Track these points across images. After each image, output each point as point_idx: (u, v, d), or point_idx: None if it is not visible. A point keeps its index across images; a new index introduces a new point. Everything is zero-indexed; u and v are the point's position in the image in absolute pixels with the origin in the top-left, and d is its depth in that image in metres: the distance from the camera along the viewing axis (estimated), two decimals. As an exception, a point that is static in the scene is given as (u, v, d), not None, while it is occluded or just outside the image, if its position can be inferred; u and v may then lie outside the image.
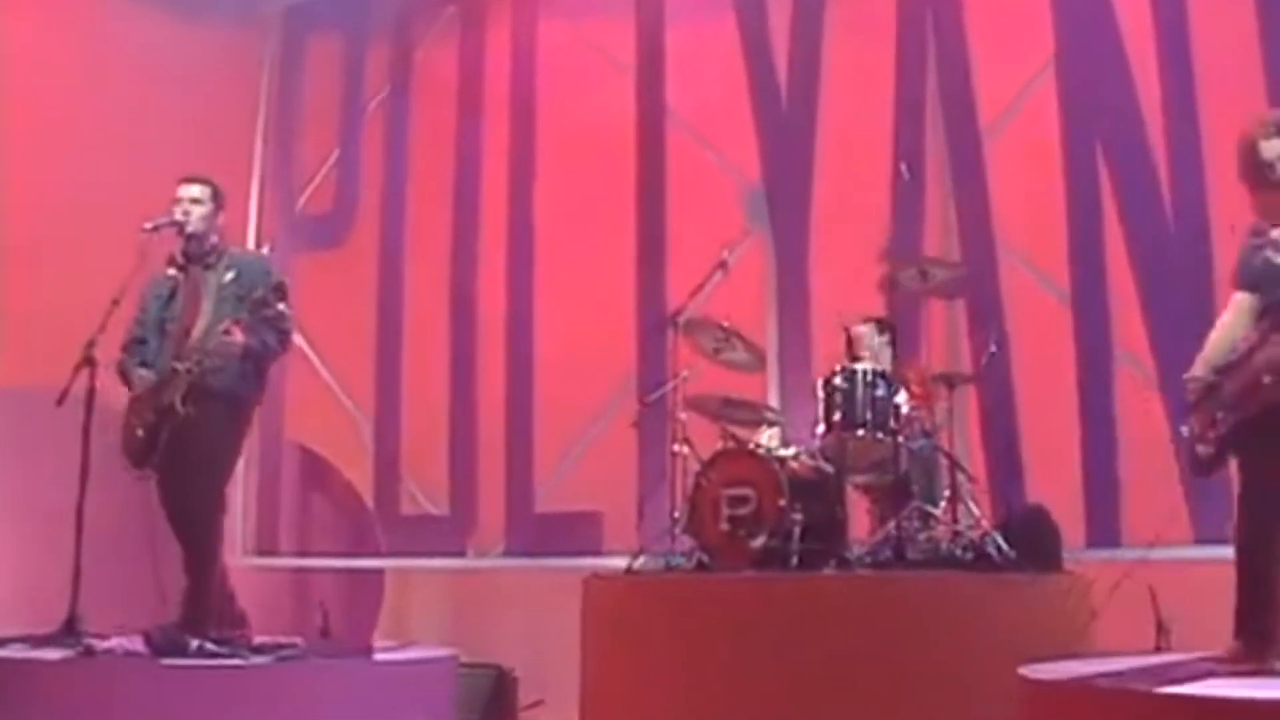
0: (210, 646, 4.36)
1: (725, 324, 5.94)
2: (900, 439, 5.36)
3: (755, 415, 6.00)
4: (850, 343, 5.58)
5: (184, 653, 4.30)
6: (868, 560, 5.18)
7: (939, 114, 6.80)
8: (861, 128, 6.91)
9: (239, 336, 4.68)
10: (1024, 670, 3.95)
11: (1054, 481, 6.22)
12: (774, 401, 6.69)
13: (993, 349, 5.80)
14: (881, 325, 6.06)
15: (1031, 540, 5.44)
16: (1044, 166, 6.53)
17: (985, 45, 6.77)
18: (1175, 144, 6.31)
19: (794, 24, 7.16)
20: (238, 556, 7.89)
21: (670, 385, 5.98)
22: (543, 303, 7.53)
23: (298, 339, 7.91)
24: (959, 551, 5.32)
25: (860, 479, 5.58)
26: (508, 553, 7.39)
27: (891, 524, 5.26)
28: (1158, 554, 6.00)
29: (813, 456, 5.75)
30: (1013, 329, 6.43)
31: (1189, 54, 6.33)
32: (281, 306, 4.74)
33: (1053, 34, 6.64)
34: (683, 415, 5.95)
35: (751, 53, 7.23)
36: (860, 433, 5.35)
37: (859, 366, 5.49)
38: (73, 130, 7.24)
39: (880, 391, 5.41)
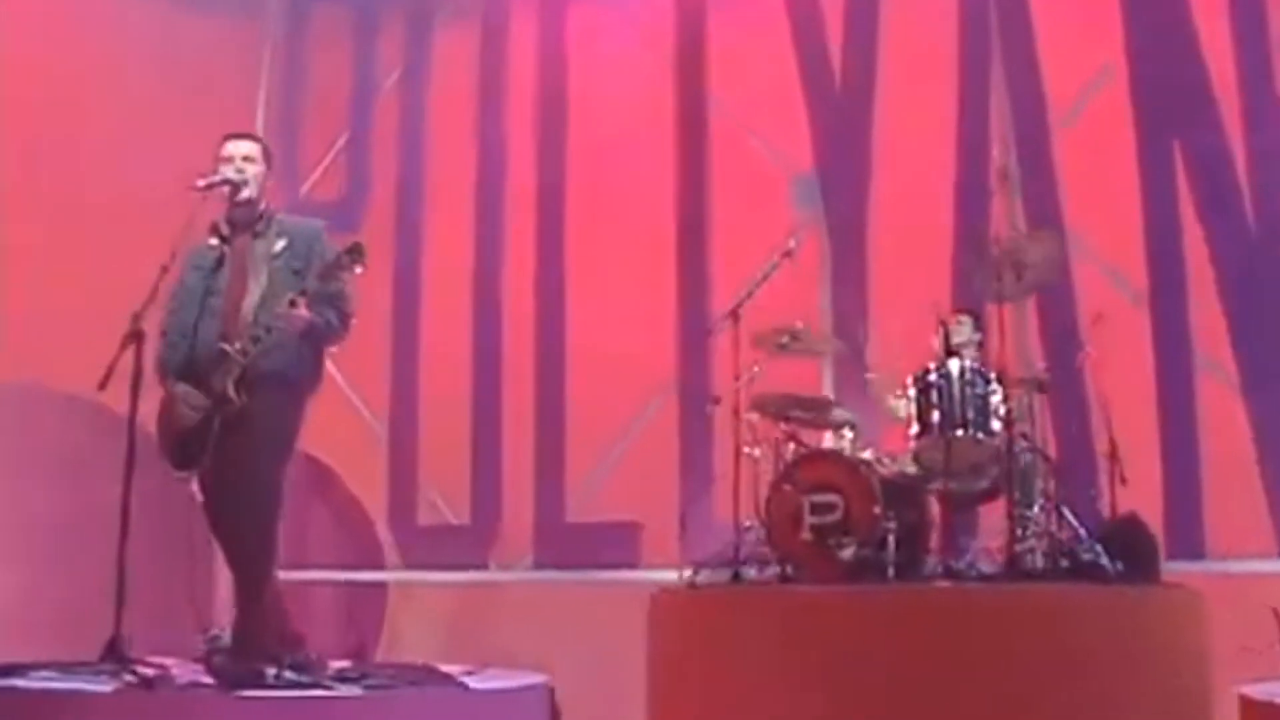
0: (290, 675, 3.81)
1: (799, 325, 5.54)
2: (1003, 441, 4.97)
3: (824, 415, 5.58)
4: (946, 337, 5.18)
5: (260, 683, 3.73)
6: (975, 572, 4.78)
7: (1005, 101, 6.47)
8: (922, 113, 6.56)
9: (304, 312, 4.14)
10: (1246, 690, 3.58)
11: (1132, 491, 5.89)
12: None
13: (1088, 350, 5.44)
14: (976, 319, 5.68)
15: (1130, 550, 5.08)
16: (1117, 160, 6.22)
17: (1053, 30, 6.45)
18: (1254, 142, 6.05)
19: (848, 3, 6.79)
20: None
21: (743, 380, 5.55)
22: (575, 298, 7.06)
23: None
24: (1059, 562, 4.94)
25: (955, 484, 5.18)
26: (536, 565, 6.89)
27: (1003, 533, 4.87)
28: (1238, 567, 5.77)
29: (892, 459, 5.38)
30: (1086, 330, 6.09)
31: (1267, 47, 6.09)
32: (345, 282, 4.22)
33: (1122, 21, 6.35)
34: (753, 416, 5.52)
35: (802, 35, 6.85)
36: (961, 434, 4.94)
37: (958, 363, 5.09)
38: (62, 112, 6.70)
39: (980, 389, 5.02)
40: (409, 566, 7.17)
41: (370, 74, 7.69)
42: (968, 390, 5.00)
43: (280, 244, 4.37)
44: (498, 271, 7.22)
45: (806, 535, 5.09)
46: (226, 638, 4.35)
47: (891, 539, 4.92)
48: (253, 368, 4.15)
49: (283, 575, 7.17)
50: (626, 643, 6.17)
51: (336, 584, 7.33)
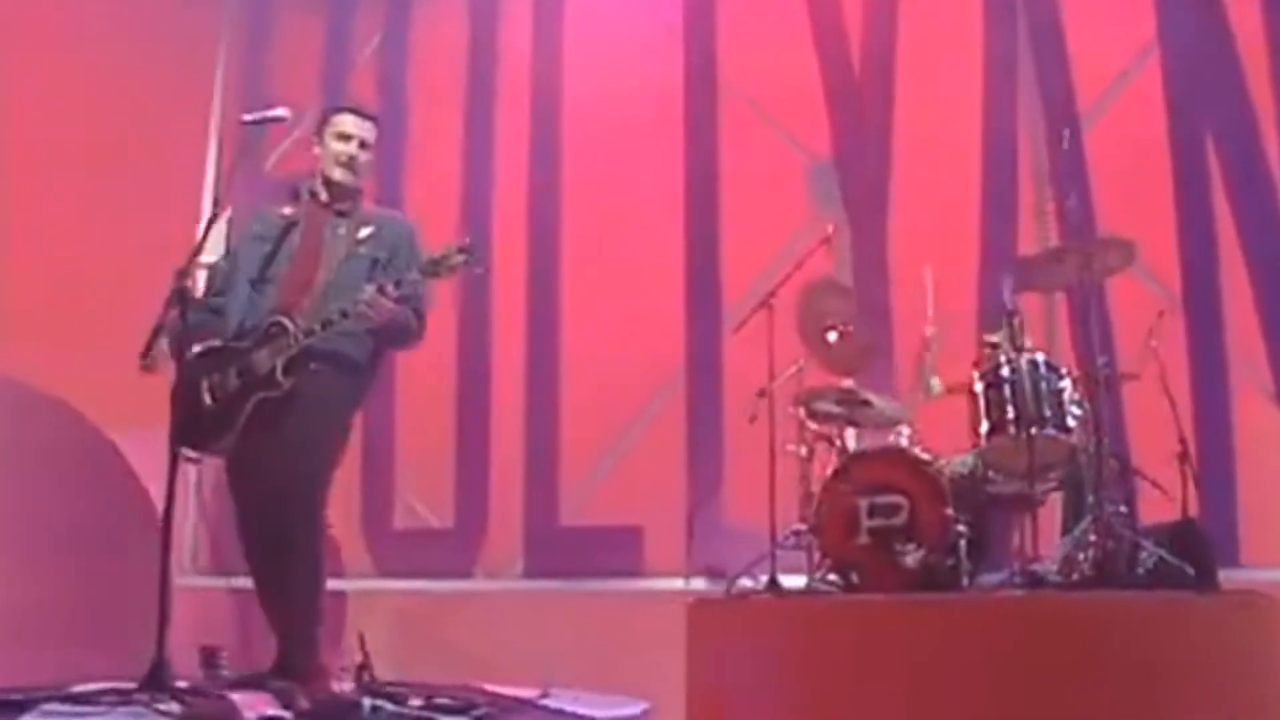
0: (389, 707, 3.27)
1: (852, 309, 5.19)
2: (1081, 440, 4.68)
3: (876, 412, 5.22)
4: (1016, 329, 4.87)
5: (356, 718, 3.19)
6: (1057, 578, 4.46)
7: (1033, 89, 6.23)
8: (945, 100, 6.27)
9: (388, 306, 3.66)
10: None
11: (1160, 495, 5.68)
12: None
13: (1154, 343, 5.18)
14: (1017, 319, 5.41)
15: (1193, 556, 4.83)
16: (1149, 155, 6.03)
17: (1082, 18, 6.23)
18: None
19: (867, -16, 6.49)
20: (187, 577, 6.69)
21: (790, 372, 5.18)
22: (571, 288, 6.59)
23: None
24: (1132, 566, 4.66)
25: (1028, 485, 4.86)
26: (527, 573, 6.38)
27: (1075, 537, 4.56)
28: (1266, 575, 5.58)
29: (944, 457, 5.05)
30: (1118, 330, 5.86)
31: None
32: (440, 279, 3.77)
33: (1154, 10, 6.17)
34: (801, 412, 5.15)
35: (819, 16, 6.52)
36: (1039, 432, 4.62)
37: (1031, 356, 4.78)
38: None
39: (1054, 385, 4.72)
40: (382, 574, 6.58)
41: (344, 42, 7.11)
42: (1042, 385, 4.69)
43: (366, 231, 3.94)
44: (485, 259, 6.68)
45: (864, 539, 4.72)
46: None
47: (963, 544, 4.59)
48: (308, 349, 3.65)
49: (228, 582, 6.70)
50: (628, 657, 5.76)
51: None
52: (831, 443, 5.24)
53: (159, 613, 3.33)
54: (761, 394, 5.16)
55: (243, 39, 7.27)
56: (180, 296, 3.53)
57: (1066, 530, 4.97)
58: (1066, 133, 4.95)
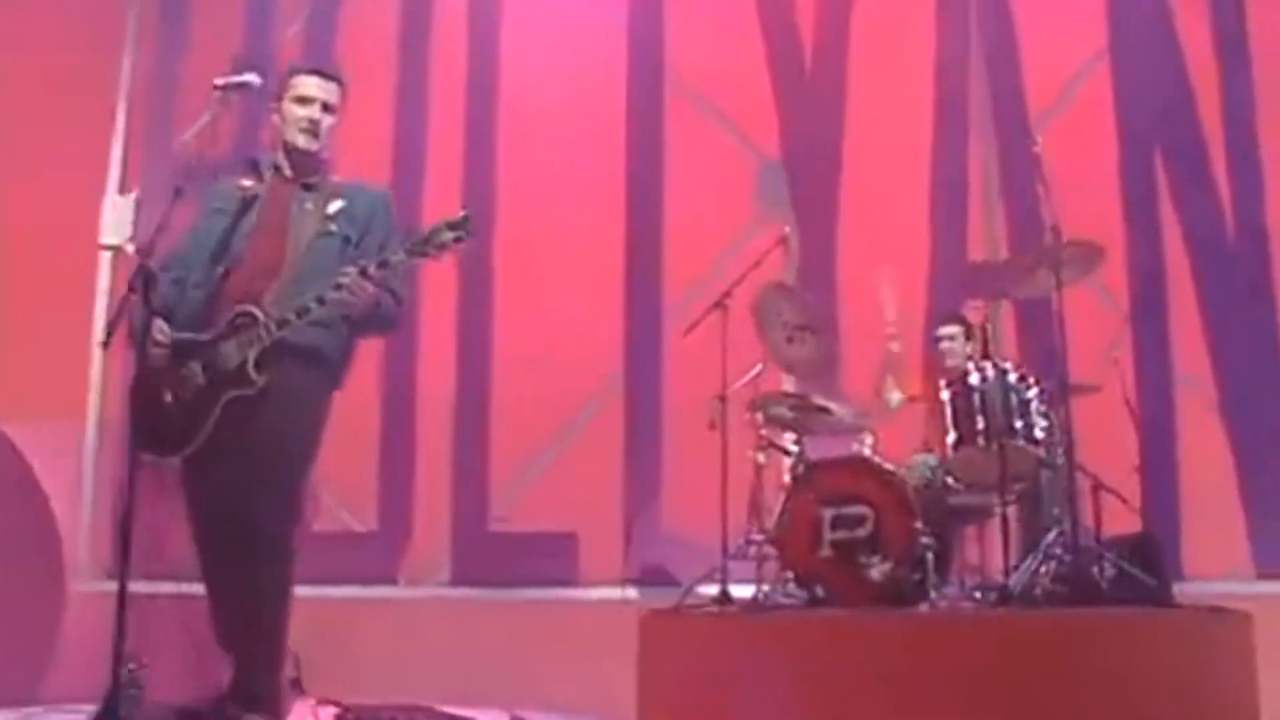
0: None
1: (814, 311, 5.02)
2: (1049, 451, 4.58)
3: (836, 419, 5.05)
4: (985, 337, 4.75)
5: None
6: (1024, 593, 4.33)
7: (984, 95, 6.16)
8: (897, 103, 6.15)
9: (369, 290, 3.33)
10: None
11: (1111, 508, 5.63)
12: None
13: (1116, 355, 5.12)
14: (967, 327, 5.34)
15: (1149, 569, 4.76)
16: (1099, 164, 6.00)
17: (1034, 25, 6.17)
18: (1235, 154, 5.95)
19: (819, -20, 6.34)
20: (83, 581, 6.22)
21: (749, 377, 4.98)
22: (505, 282, 6.28)
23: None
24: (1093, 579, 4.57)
25: (989, 497, 4.75)
26: (454, 580, 6.06)
27: (1042, 550, 4.45)
28: (1219, 588, 5.57)
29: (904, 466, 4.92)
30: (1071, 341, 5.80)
31: (1247, 54, 6.01)
32: (428, 259, 3.42)
33: (1106, 19, 6.15)
34: (757, 417, 4.96)
35: (769, 12, 6.34)
36: (1010, 443, 4.49)
37: (1003, 364, 4.67)
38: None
39: (1024, 395, 4.61)
40: (297, 579, 6.17)
41: (268, 17, 6.70)
42: (1012, 396, 4.57)
43: (336, 205, 3.59)
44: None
45: (827, 552, 4.54)
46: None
47: (930, 557, 4.45)
48: (280, 341, 3.31)
49: (141, 587, 6.24)
50: (562, 671, 5.53)
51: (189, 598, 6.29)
52: (786, 451, 5.07)
53: (115, 631, 2.94)
54: (721, 399, 4.96)
55: (154, 8, 6.80)
56: (144, 279, 3.16)
57: (1022, 543, 4.89)
58: (1040, 139, 4.80)
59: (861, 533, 4.50)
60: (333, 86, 3.77)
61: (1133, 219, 5.95)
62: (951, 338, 5.36)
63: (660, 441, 6.01)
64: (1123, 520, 5.02)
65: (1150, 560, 4.80)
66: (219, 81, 3.49)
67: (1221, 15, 6.02)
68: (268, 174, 3.65)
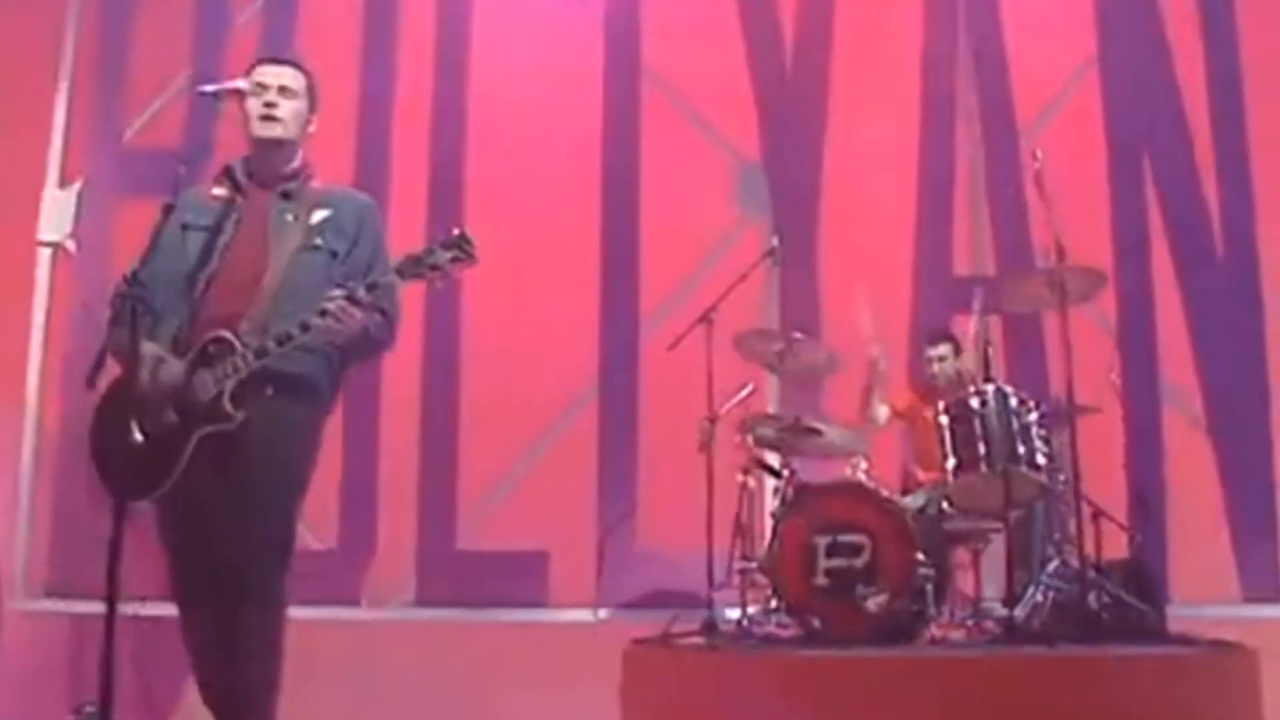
0: None
1: (796, 335, 4.82)
2: (1052, 477, 4.42)
3: (827, 442, 4.86)
4: (986, 359, 4.57)
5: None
6: (1032, 625, 4.17)
7: (971, 100, 5.98)
8: (882, 107, 5.95)
9: (360, 314, 3.00)
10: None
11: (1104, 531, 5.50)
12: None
13: (1114, 378, 4.97)
14: (956, 345, 5.19)
15: (1144, 595, 4.64)
16: (1087, 175, 5.85)
17: (1023, 31, 6.01)
18: (1225, 165, 5.84)
19: (801, -28, 6.11)
20: (19, 600, 5.88)
21: (741, 396, 4.77)
22: (474, 289, 5.95)
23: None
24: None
25: (982, 523, 4.59)
26: (420, 601, 5.79)
27: (1042, 580, 4.31)
28: (1207, 612, 5.46)
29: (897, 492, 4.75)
30: (1052, 355, 5.65)
31: (1238, 63, 5.90)
32: (422, 280, 3.07)
33: (1095, 27, 6.00)
34: (747, 439, 4.76)
35: (750, 10, 6.11)
36: (1014, 470, 4.32)
37: (993, 387, 4.49)
38: None
39: (1025, 419, 4.44)
40: (252, 600, 5.87)
41: (219, 7, 6.33)
42: (1013, 421, 4.40)
43: (320, 215, 3.21)
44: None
45: (821, 581, 4.35)
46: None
47: (930, 589, 4.27)
48: (260, 370, 3.01)
49: (62, 607, 5.91)
50: (532, 696, 5.29)
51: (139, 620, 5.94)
52: (775, 473, 4.87)
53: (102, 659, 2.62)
54: (711, 420, 4.74)
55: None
56: (132, 307, 2.82)
57: (1013, 568, 4.74)
58: (1040, 153, 4.62)
59: (858, 562, 4.32)
60: (288, 70, 3.36)
61: (1121, 230, 5.80)
62: (942, 358, 5.19)
63: (636, 456, 5.79)
64: (1110, 540, 4.89)
65: (1145, 586, 4.69)
66: (205, 89, 3.14)
67: (1213, 24, 5.90)
68: (242, 181, 3.26)
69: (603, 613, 5.66)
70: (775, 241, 5.13)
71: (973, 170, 5.93)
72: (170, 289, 3.02)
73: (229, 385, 2.93)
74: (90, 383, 2.90)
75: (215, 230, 3.10)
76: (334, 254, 3.18)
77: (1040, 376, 5.48)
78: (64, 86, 6.31)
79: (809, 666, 3.90)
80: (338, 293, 2.97)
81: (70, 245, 6.18)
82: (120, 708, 5.30)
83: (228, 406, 2.93)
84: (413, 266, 3.03)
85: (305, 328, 2.94)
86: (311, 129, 3.39)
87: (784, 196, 5.94)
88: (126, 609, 5.65)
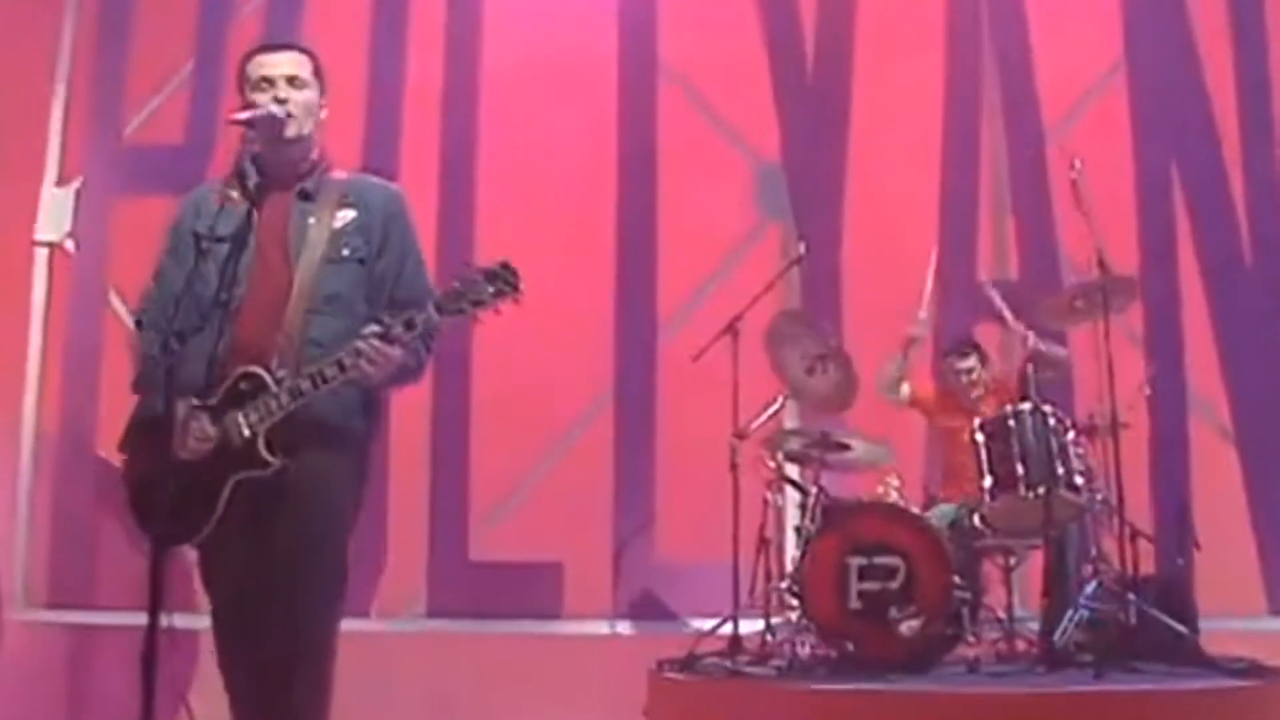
0: None
1: (831, 340, 4.69)
2: (1090, 498, 4.31)
3: (853, 458, 4.74)
4: (1030, 375, 4.45)
5: None
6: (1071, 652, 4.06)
7: (996, 103, 5.85)
8: (904, 108, 5.82)
9: (396, 352, 2.76)
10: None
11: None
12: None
13: (1146, 390, 4.85)
14: (982, 354, 5.07)
15: (1178, 613, 4.53)
16: (1113, 179, 5.70)
17: (1049, 32, 5.87)
18: (1253, 170, 5.73)
19: (823, -23, 5.96)
20: (19, 610, 5.74)
21: (771, 411, 4.65)
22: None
23: (125, 318, 5.97)
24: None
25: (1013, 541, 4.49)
26: (431, 613, 5.66)
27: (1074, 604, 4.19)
28: (1231, 625, 5.37)
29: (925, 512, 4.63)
30: (1075, 352, 5.52)
31: (1268, 68, 5.78)
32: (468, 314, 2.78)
33: (1122, 29, 5.87)
34: (778, 455, 4.64)
35: (770, 6, 5.96)
36: (1055, 492, 4.21)
37: (1044, 407, 4.38)
38: None
39: (1064, 439, 4.33)
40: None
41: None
42: (1052, 441, 4.28)
43: (345, 216, 2.92)
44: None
45: (855, 604, 4.23)
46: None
47: (966, 612, 4.17)
48: (302, 413, 2.77)
49: (62, 618, 5.76)
50: (546, 710, 5.18)
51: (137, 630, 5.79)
52: (802, 489, 4.75)
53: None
54: (740, 436, 4.61)
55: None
56: (168, 358, 2.52)
57: (1046, 587, 4.65)
58: (1078, 163, 4.49)
59: (893, 585, 4.20)
60: (289, 56, 3.02)
61: (1147, 236, 5.69)
62: (971, 370, 5.05)
63: (654, 464, 5.66)
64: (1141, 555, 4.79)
65: (1179, 606, 4.59)
66: (237, 116, 2.87)
67: (1242, 28, 5.77)
68: (256, 183, 2.87)
69: (619, 625, 5.55)
70: (802, 249, 4.98)
71: (997, 173, 5.80)
72: (192, 313, 2.79)
73: (262, 429, 2.73)
74: (124, 448, 2.71)
75: (235, 242, 2.77)
76: (362, 261, 2.92)
77: (1066, 390, 5.35)
78: (61, 82, 6.13)
79: (844, 701, 3.78)
80: (372, 329, 2.74)
81: (69, 245, 6.01)
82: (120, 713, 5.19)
83: (264, 453, 2.73)
84: (453, 303, 2.77)
85: (342, 368, 2.73)
86: (323, 115, 3.07)
87: (805, 199, 5.79)
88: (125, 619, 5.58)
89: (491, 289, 2.75)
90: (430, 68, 6.00)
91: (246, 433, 2.72)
